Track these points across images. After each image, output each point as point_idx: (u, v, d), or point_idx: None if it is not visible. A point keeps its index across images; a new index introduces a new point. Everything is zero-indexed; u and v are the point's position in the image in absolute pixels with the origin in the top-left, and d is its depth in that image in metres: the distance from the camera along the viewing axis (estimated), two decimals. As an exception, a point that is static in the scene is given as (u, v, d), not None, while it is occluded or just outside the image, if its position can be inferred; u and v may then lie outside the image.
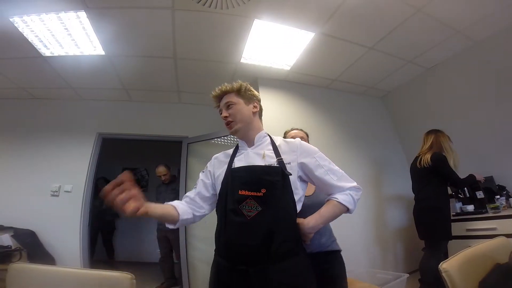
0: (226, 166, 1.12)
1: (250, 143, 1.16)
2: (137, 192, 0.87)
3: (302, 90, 3.33)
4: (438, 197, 2.39)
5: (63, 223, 2.98)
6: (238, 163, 1.11)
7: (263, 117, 1.27)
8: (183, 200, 1.17)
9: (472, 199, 2.57)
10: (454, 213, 2.58)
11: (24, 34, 2.21)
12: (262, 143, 1.15)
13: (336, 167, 1.11)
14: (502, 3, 2.24)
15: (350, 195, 1.05)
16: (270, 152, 1.10)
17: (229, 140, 3.23)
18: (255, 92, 1.21)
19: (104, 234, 4.69)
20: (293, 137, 1.59)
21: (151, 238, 4.34)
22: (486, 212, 2.37)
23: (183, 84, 3.29)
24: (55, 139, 3.26)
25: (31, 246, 2.64)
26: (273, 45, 2.66)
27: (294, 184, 1.03)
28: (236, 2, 2.08)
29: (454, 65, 2.96)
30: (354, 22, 2.38)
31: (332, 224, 1.41)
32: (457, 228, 2.40)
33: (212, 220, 1.10)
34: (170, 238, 3.35)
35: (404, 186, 2.75)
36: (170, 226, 1.09)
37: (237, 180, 1.03)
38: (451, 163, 2.41)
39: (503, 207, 2.33)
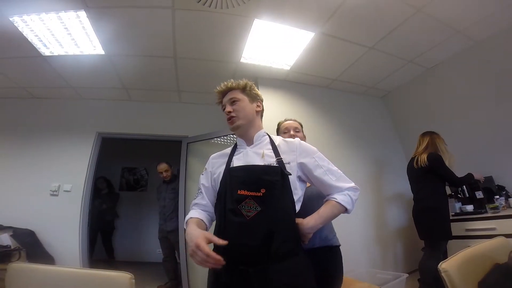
0: (224, 166, 1.11)
1: (249, 142, 1.15)
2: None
3: (302, 90, 3.33)
4: (437, 197, 2.40)
5: (62, 222, 2.97)
6: (237, 162, 1.10)
7: (263, 117, 1.27)
8: (196, 208, 1.15)
9: (471, 199, 2.57)
10: (454, 213, 2.58)
11: (24, 33, 2.21)
12: (261, 142, 1.14)
13: (335, 168, 1.11)
14: (502, 4, 2.24)
15: (348, 196, 1.06)
16: (269, 151, 1.10)
17: (229, 139, 3.23)
18: (259, 92, 1.22)
19: (104, 234, 4.68)
20: (287, 127, 1.63)
21: (151, 238, 4.35)
22: (486, 212, 2.37)
23: (183, 83, 3.29)
24: (55, 138, 3.26)
25: (30, 246, 2.64)
26: (273, 44, 2.66)
27: (293, 184, 1.03)
28: (236, 1, 2.08)
29: (454, 65, 2.96)
30: (354, 22, 2.38)
31: (332, 223, 1.40)
32: (456, 228, 2.39)
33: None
34: (171, 239, 3.35)
35: (404, 185, 2.75)
36: None
37: (236, 179, 1.02)
38: (447, 164, 2.43)
39: (503, 207, 2.32)
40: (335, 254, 1.37)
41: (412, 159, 2.59)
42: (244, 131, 1.15)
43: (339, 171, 1.12)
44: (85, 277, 1.09)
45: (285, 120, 1.73)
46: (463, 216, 2.47)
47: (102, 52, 2.54)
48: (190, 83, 3.29)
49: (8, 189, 2.97)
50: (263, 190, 0.96)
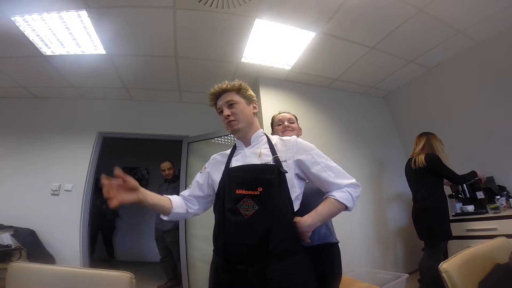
0: (223, 167, 1.13)
1: (248, 143, 1.16)
2: (131, 184, 0.96)
3: (303, 89, 3.33)
4: (436, 197, 2.40)
5: (63, 222, 2.97)
6: (235, 163, 1.11)
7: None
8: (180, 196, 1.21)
9: (472, 200, 2.56)
10: (454, 213, 2.58)
11: (25, 33, 2.21)
12: (258, 142, 1.16)
13: (334, 164, 1.10)
14: (503, 4, 2.24)
15: (348, 192, 1.03)
16: (266, 150, 1.10)
17: (229, 139, 3.23)
18: (252, 93, 1.22)
19: (104, 233, 4.69)
20: (281, 119, 1.62)
21: (151, 237, 4.35)
22: (487, 212, 2.36)
23: (184, 83, 3.29)
24: (56, 138, 3.26)
25: (31, 245, 2.63)
26: (274, 44, 2.66)
27: (290, 182, 1.03)
28: (237, 1, 2.09)
29: (455, 65, 2.95)
30: (356, 22, 2.38)
31: (331, 220, 1.39)
32: (457, 228, 2.39)
33: (211, 219, 1.11)
34: (167, 239, 3.35)
35: (405, 185, 2.75)
36: (164, 217, 1.14)
37: (234, 179, 1.03)
38: None
39: (504, 207, 2.32)
40: (334, 251, 1.35)
41: (410, 160, 2.61)
42: (243, 133, 1.15)
43: (338, 167, 1.10)
44: (85, 277, 1.09)
45: (279, 113, 1.71)
46: (464, 217, 2.46)
47: (103, 52, 2.54)
48: (191, 82, 3.28)
49: (9, 189, 2.97)
50: (260, 189, 0.97)
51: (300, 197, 1.07)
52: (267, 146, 1.12)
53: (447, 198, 2.64)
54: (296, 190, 1.04)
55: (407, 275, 2.40)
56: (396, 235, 3.17)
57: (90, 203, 3.22)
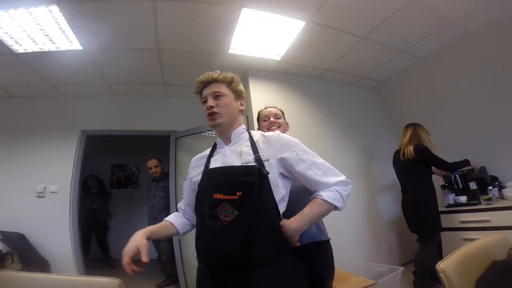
0: (203, 168, 1.06)
1: (228, 140, 1.08)
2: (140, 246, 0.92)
3: (293, 80, 3.25)
4: (425, 189, 2.41)
5: (52, 224, 2.90)
6: (214, 163, 1.04)
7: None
8: (178, 211, 1.19)
9: (465, 190, 2.55)
10: (447, 204, 2.58)
11: (-8, 31, 2.05)
12: (239, 140, 1.07)
13: (321, 160, 1.02)
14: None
15: (336, 191, 0.95)
16: (247, 149, 1.02)
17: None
18: (243, 88, 1.14)
19: (98, 234, 4.60)
20: (267, 115, 1.56)
21: None
22: (479, 203, 2.36)
23: (169, 77, 3.16)
24: (37, 138, 3.11)
25: (22, 249, 2.56)
26: (263, 34, 2.55)
27: (274, 182, 0.95)
28: (222, -11, 1.96)
29: (447, 55, 2.91)
30: (346, 11, 2.29)
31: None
32: (450, 220, 2.40)
33: None
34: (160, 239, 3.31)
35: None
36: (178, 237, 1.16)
37: (212, 182, 0.97)
38: None
39: (496, 198, 2.31)
40: (325, 249, 1.30)
41: (398, 151, 2.60)
42: (225, 129, 1.07)
43: (326, 163, 1.01)
44: (74, 284, 1.09)
45: (265, 108, 1.64)
46: (457, 208, 2.46)
47: (79, 47, 2.39)
48: (176, 76, 3.15)
49: None
50: (239, 193, 0.90)
51: (286, 198, 1.01)
52: (249, 143, 1.04)
53: (440, 189, 2.66)
54: (280, 191, 0.96)
55: (402, 268, 2.40)
56: (390, 226, 3.18)
57: (78, 204, 3.13)
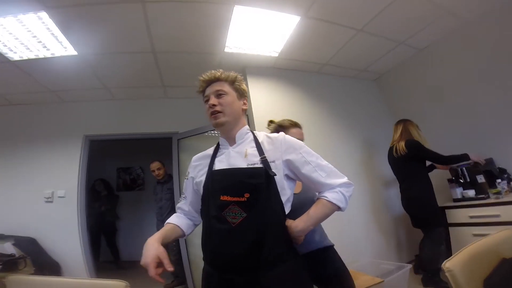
0: (206, 169, 1.04)
1: (232, 141, 1.08)
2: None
3: (292, 76, 3.19)
4: (420, 187, 2.42)
5: (62, 228, 2.97)
6: (219, 164, 1.03)
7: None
8: (179, 212, 1.16)
9: (473, 184, 2.46)
10: (455, 199, 2.50)
11: (-16, 40, 2.07)
12: (244, 141, 1.07)
13: (325, 162, 1.03)
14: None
15: (340, 193, 0.98)
16: (253, 150, 1.02)
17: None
18: (246, 88, 1.14)
19: (107, 236, 4.67)
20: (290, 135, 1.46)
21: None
22: (488, 197, 2.27)
23: (166, 78, 3.15)
24: (41, 145, 3.17)
25: (34, 254, 2.64)
26: (258, 31, 2.51)
27: (280, 184, 0.95)
28: (210, -12, 1.92)
29: (447, 45, 2.81)
30: (340, 4, 2.24)
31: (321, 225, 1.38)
32: (459, 215, 2.33)
33: None
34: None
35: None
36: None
37: (218, 184, 0.96)
38: None
39: (505, 191, 2.22)
40: (329, 254, 1.35)
41: (391, 148, 2.60)
42: (228, 129, 1.06)
43: (329, 165, 1.03)
44: (81, 287, 1.12)
45: (295, 125, 1.53)
46: (466, 202, 2.37)
47: (74, 52, 2.39)
48: (174, 77, 3.14)
49: (3, 199, 2.93)
50: (247, 195, 0.90)
51: (291, 199, 1.01)
52: (254, 144, 1.04)
53: (447, 183, 2.58)
54: (286, 193, 0.98)
55: (410, 265, 2.36)
56: (397, 221, 3.12)
57: (85, 207, 3.19)
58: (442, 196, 2.69)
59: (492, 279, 1.09)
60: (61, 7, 1.88)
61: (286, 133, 1.46)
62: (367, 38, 2.73)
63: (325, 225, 1.34)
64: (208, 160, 1.07)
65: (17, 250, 2.53)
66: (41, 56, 2.38)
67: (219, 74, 1.06)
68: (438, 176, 2.70)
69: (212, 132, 3.14)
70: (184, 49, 2.63)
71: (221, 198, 0.92)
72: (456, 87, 2.83)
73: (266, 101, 2.93)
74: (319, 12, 2.31)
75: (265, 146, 1.02)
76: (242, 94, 1.10)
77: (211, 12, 2.17)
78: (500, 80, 2.46)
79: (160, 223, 3.36)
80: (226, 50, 2.69)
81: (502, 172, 2.37)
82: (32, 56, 2.36)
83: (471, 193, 2.41)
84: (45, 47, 2.27)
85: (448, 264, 1.01)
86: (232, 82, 1.07)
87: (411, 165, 2.46)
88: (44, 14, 1.90)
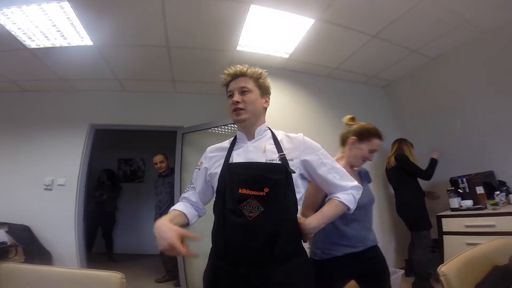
0: (222, 161, 1.05)
1: (251, 136, 1.08)
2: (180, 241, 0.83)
3: (301, 78, 3.22)
4: (408, 194, 2.71)
5: (58, 217, 2.95)
6: (237, 158, 1.04)
7: None
8: (184, 201, 1.12)
9: (472, 195, 2.50)
10: (452, 208, 2.54)
11: (6, 27, 2.09)
12: (262, 137, 1.08)
13: (339, 165, 1.08)
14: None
15: (352, 195, 1.04)
16: (271, 146, 1.04)
17: (226, 129, 3.16)
18: (269, 85, 1.13)
19: (104, 227, 4.65)
20: (375, 150, 1.46)
21: (149, 230, 4.33)
22: (485, 208, 2.32)
23: (177, 73, 3.17)
24: (47, 131, 3.19)
25: (26, 242, 2.61)
26: (271, 32, 2.52)
27: (295, 182, 0.98)
28: (231, -14, 1.95)
29: (459, 55, 2.82)
30: (357, 9, 2.24)
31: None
32: (455, 224, 2.37)
33: (207, 212, 1.08)
34: None
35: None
36: None
37: (236, 177, 0.96)
38: None
39: (503, 203, 2.27)
40: (378, 252, 1.41)
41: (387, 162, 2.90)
42: (248, 125, 1.07)
43: (342, 168, 1.09)
44: (76, 277, 1.09)
45: (378, 136, 1.45)
46: (462, 212, 2.43)
47: (90, 43, 2.42)
48: (184, 72, 3.17)
49: (0, 185, 2.93)
50: (266, 189, 0.91)
51: (303, 198, 1.06)
52: (272, 142, 1.06)
53: (446, 193, 2.64)
54: (300, 191, 1.01)
55: (403, 271, 2.42)
56: (389, 227, 3.18)
57: (84, 197, 3.18)
58: (440, 205, 2.75)
59: (483, 285, 1.14)
60: (84, -3, 1.91)
61: (369, 141, 1.43)
62: (380, 45, 2.74)
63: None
64: (224, 153, 1.07)
65: (9, 238, 2.50)
66: (57, 45, 2.41)
67: (245, 70, 1.07)
68: (439, 186, 2.81)
69: (216, 129, 3.18)
70: (197, 45, 2.65)
71: (240, 191, 0.92)
72: (463, 99, 2.87)
73: (274, 101, 2.88)
74: (334, 16, 2.33)
75: (284, 145, 1.04)
76: (266, 92, 1.11)
77: (227, 9, 2.18)
78: (508, 94, 2.49)
79: (158, 217, 3.35)
80: (238, 48, 2.71)
81: (501, 184, 2.42)
82: (48, 44, 2.39)
83: (469, 203, 2.45)
84: (62, 36, 2.30)
85: (443, 269, 1.05)
86: (257, 79, 1.08)
87: (400, 176, 2.76)
88: (66, 4, 1.93)
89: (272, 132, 1.11)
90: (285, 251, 0.91)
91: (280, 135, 1.10)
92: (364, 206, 1.33)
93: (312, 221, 0.98)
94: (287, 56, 2.90)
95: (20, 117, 3.19)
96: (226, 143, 1.13)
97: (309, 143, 1.06)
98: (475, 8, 2.27)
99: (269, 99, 1.14)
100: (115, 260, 4.40)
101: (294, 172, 0.97)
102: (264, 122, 1.13)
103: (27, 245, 2.59)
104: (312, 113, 3.14)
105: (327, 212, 1.02)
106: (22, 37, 2.25)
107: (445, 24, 2.46)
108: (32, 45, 2.37)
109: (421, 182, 2.78)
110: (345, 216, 1.24)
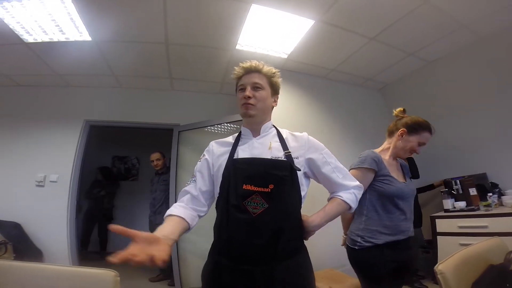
0: (227, 156, 1.03)
1: (256, 133, 1.08)
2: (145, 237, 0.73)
3: (298, 79, 3.23)
4: None
5: (49, 214, 2.90)
6: (242, 153, 1.03)
7: None
8: (184, 198, 1.03)
9: (465, 196, 2.56)
10: (446, 209, 2.60)
11: (4, 20, 2.05)
12: (268, 134, 1.08)
13: (341, 165, 1.09)
14: (509, 1, 2.15)
15: (354, 194, 1.05)
16: (277, 144, 1.04)
17: (222, 128, 3.16)
18: (280, 86, 1.13)
19: (101, 224, 4.57)
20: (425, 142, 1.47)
21: (143, 228, 4.23)
22: (478, 209, 2.37)
23: (175, 70, 3.15)
24: (40, 127, 3.14)
25: (17, 239, 2.57)
26: (271, 31, 2.53)
27: (300, 180, 0.99)
28: (232, -15, 1.96)
29: (456, 60, 2.87)
30: (357, 11, 2.27)
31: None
32: (448, 225, 2.42)
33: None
34: None
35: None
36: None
37: (241, 173, 0.95)
38: None
39: (495, 205, 2.33)
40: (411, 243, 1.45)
41: None
42: (255, 122, 1.07)
43: (344, 168, 1.10)
44: (69, 274, 1.07)
45: (429, 129, 1.47)
46: (456, 213, 2.48)
47: (88, 38, 2.39)
48: (182, 70, 3.15)
49: None
50: (271, 186, 0.91)
51: (306, 196, 1.04)
52: (277, 139, 1.06)
53: (440, 194, 2.70)
54: (304, 188, 1.01)
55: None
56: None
57: (77, 195, 3.13)
58: (433, 206, 2.80)
59: (479, 284, 1.16)
60: (85, -8, 1.89)
61: (418, 134, 1.45)
62: (378, 47, 2.76)
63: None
64: (229, 148, 1.06)
65: None
66: (55, 39, 2.37)
67: (261, 66, 1.07)
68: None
69: (212, 128, 3.18)
70: (196, 43, 2.63)
71: (244, 187, 0.91)
72: (458, 102, 2.92)
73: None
74: (334, 18, 2.35)
75: (289, 143, 1.05)
76: (276, 92, 1.11)
77: (229, 8, 2.18)
78: (501, 98, 2.55)
79: (153, 214, 3.36)
80: (238, 47, 2.71)
81: (494, 186, 2.50)
82: (46, 39, 2.35)
83: (462, 204, 2.51)
84: (61, 31, 2.27)
85: (440, 267, 1.07)
86: (270, 78, 1.08)
87: None
88: (67, -2, 1.91)
89: (277, 129, 1.11)
90: (288, 248, 0.91)
91: (285, 133, 1.10)
92: (408, 197, 1.40)
93: (315, 219, 0.99)
94: (285, 56, 2.91)
95: (13, 112, 3.12)
96: (230, 139, 1.12)
97: (313, 142, 1.07)
98: (472, 13, 2.31)
99: (277, 99, 1.14)
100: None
101: (300, 170, 0.98)
102: (270, 119, 1.13)
103: (17, 242, 2.55)
104: (308, 114, 3.16)
105: (330, 210, 1.02)
106: (20, 31, 2.21)
107: (442, 28, 2.50)
108: (30, 39, 2.33)
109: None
110: (388, 206, 1.34)
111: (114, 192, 4.82)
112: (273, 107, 1.12)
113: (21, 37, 2.28)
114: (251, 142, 1.06)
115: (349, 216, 1.52)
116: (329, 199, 1.08)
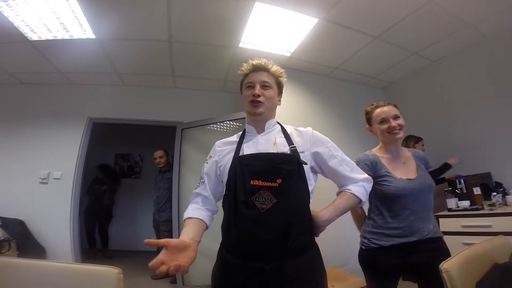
0: (232, 154, 1.03)
1: (261, 130, 1.08)
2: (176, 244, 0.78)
3: (301, 77, 3.22)
4: None
5: (53, 212, 2.91)
6: (247, 150, 1.02)
7: None
8: (198, 199, 1.07)
9: (469, 195, 2.54)
10: (450, 208, 2.58)
11: (9, 18, 2.06)
12: (272, 130, 1.08)
13: (348, 158, 1.08)
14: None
15: (363, 187, 1.03)
16: (282, 140, 1.04)
17: (225, 126, 3.16)
18: (283, 86, 1.15)
19: (101, 222, 4.59)
20: (384, 118, 1.42)
21: (145, 226, 4.25)
22: (482, 208, 2.35)
23: (178, 68, 3.16)
24: (44, 124, 3.16)
25: (20, 236, 2.57)
26: (274, 30, 2.52)
27: (307, 174, 0.98)
28: (236, -17, 1.95)
29: (460, 59, 2.85)
30: (361, 10, 2.26)
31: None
32: (452, 224, 2.40)
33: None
34: (161, 229, 3.31)
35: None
36: None
37: (248, 168, 0.94)
38: None
39: (499, 204, 2.31)
40: (442, 245, 1.33)
41: None
42: (261, 119, 1.07)
43: (352, 161, 1.08)
44: (72, 272, 1.06)
45: (375, 106, 1.47)
46: (460, 212, 2.46)
47: (92, 36, 2.39)
48: (185, 68, 3.16)
49: None
50: (279, 180, 0.90)
51: (313, 191, 1.03)
52: (282, 135, 1.06)
53: (444, 193, 2.68)
54: (312, 183, 1.00)
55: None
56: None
57: (80, 192, 3.15)
58: (437, 205, 2.77)
59: (483, 283, 1.15)
60: (89, -10, 1.89)
61: (373, 118, 1.47)
62: (382, 46, 2.75)
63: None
64: (234, 146, 1.06)
65: (2, 232, 2.45)
66: (59, 37, 2.38)
67: (270, 66, 1.07)
68: (437, 186, 2.79)
69: (215, 126, 3.18)
70: (199, 41, 2.64)
71: (252, 182, 0.90)
72: (462, 102, 2.90)
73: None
74: (338, 16, 2.34)
75: (294, 138, 1.04)
76: (281, 91, 1.13)
77: (232, 6, 2.18)
78: (505, 97, 2.53)
79: (157, 212, 3.38)
80: (241, 45, 2.71)
81: (498, 186, 2.48)
82: (50, 37, 2.36)
83: (466, 203, 2.49)
84: (65, 29, 2.27)
85: (445, 265, 1.06)
86: (278, 77, 1.09)
87: None
88: (72, -4, 1.92)
89: (281, 126, 1.11)
90: (298, 243, 0.89)
91: (289, 128, 1.10)
92: (415, 194, 1.30)
93: (324, 214, 0.96)
94: (288, 54, 2.90)
95: (16, 109, 3.14)
96: (235, 137, 1.12)
97: (318, 136, 1.07)
98: (476, 12, 2.29)
99: (281, 98, 1.15)
100: (110, 256, 4.33)
101: (306, 164, 0.97)
102: (275, 117, 1.14)
103: (21, 240, 2.55)
104: (311, 112, 3.15)
105: (340, 204, 1.00)
106: (24, 29, 2.22)
107: (447, 27, 2.49)
108: (34, 37, 2.34)
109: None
110: (395, 208, 1.29)
111: (115, 188, 4.82)
112: (277, 106, 1.13)
113: (25, 35, 2.29)
114: (256, 139, 1.06)
115: (361, 215, 1.49)
116: (338, 193, 1.06)
